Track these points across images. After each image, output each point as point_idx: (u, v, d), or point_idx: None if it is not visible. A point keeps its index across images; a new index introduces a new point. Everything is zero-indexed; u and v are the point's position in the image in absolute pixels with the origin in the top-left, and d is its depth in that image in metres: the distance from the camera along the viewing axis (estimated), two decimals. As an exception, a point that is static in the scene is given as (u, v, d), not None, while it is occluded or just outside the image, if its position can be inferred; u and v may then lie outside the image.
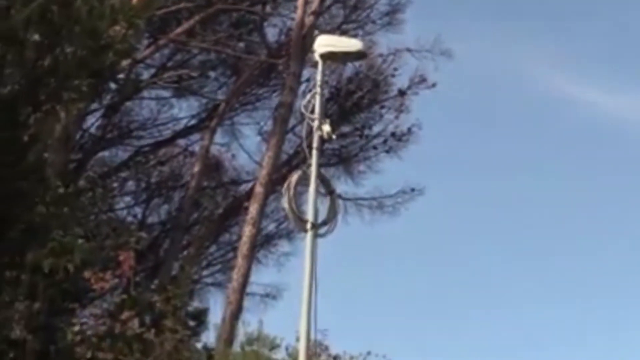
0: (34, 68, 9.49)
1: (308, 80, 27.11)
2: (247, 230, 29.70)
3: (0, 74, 9.17)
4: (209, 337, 22.96)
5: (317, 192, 21.20)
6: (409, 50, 31.14)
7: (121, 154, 32.01)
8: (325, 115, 21.67)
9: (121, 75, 24.47)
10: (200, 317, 20.55)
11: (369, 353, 20.03)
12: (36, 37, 9.43)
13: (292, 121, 29.16)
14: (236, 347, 22.61)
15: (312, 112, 21.65)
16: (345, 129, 30.27)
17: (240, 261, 29.61)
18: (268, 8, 32.13)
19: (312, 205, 21.12)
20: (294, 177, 21.86)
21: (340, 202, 23.97)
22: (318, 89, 22.08)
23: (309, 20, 29.55)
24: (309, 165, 21.40)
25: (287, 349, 20.24)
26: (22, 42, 9.35)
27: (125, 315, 14.23)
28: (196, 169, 31.62)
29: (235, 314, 28.70)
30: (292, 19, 30.43)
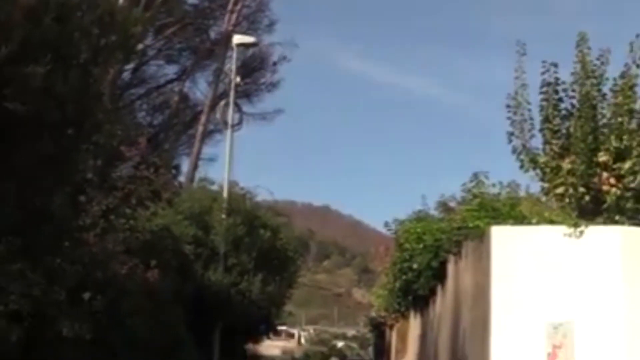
0: (95, 47, 9.07)
1: (230, 56, 26.61)
2: (200, 128, 29.67)
3: (78, 48, 8.73)
4: (182, 179, 22.69)
5: (233, 110, 21.07)
6: (279, 43, 31.10)
7: (139, 90, 31.39)
8: (237, 73, 21.67)
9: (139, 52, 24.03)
10: (177, 168, 20.19)
11: (257, 185, 20.03)
12: (97, 31, 9.00)
13: (222, 76, 28.94)
14: (194, 184, 22.45)
15: (232, 71, 21.51)
16: (247, 80, 29.94)
17: (196, 143, 29.53)
18: (210, 22, 31.61)
19: (230, 116, 20.99)
20: (222, 102, 21.77)
21: (244, 115, 24.00)
22: (234, 60, 21.93)
23: (230, 28, 29.37)
24: (229, 97, 21.29)
25: (219, 185, 20.13)
26: (90, 33, 8.93)
27: (141, 167, 13.84)
28: (175, 98, 31.42)
29: (194, 168, 28.75)
30: (222, 27, 30.17)
